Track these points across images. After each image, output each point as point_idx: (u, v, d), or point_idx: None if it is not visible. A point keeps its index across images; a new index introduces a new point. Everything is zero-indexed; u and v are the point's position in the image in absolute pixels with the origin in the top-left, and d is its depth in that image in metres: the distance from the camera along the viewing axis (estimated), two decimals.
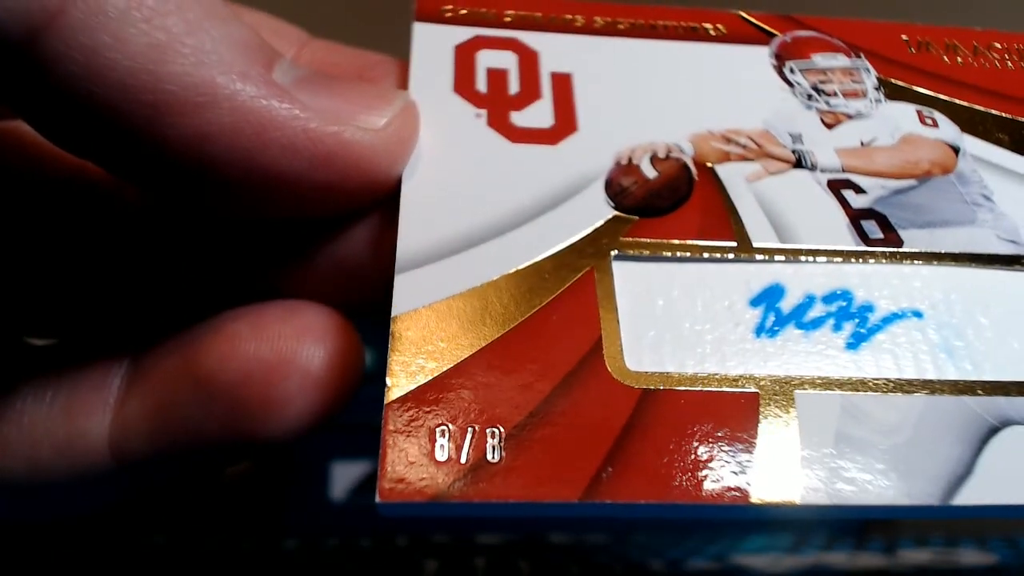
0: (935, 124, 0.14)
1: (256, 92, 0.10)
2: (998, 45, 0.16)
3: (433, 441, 0.09)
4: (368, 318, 0.12)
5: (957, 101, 0.14)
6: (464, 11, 0.15)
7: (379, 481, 0.09)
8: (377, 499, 0.09)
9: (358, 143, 0.11)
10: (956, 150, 0.14)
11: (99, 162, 0.11)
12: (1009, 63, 0.15)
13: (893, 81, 0.15)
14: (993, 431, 0.10)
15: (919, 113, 0.14)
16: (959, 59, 0.15)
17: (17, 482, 0.11)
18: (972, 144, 0.14)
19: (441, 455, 0.09)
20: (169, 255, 0.13)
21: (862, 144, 0.13)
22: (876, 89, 0.14)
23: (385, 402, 0.10)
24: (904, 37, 0.15)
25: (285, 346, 0.11)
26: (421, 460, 0.09)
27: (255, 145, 0.10)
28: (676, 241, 0.12)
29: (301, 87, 0.11)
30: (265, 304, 0.11)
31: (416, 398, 0.10)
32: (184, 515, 0.16)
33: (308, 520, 0.15)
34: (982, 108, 0.14)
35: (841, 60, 0.15)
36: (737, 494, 0.09)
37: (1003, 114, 0.14)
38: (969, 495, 0.10)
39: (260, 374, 0.10)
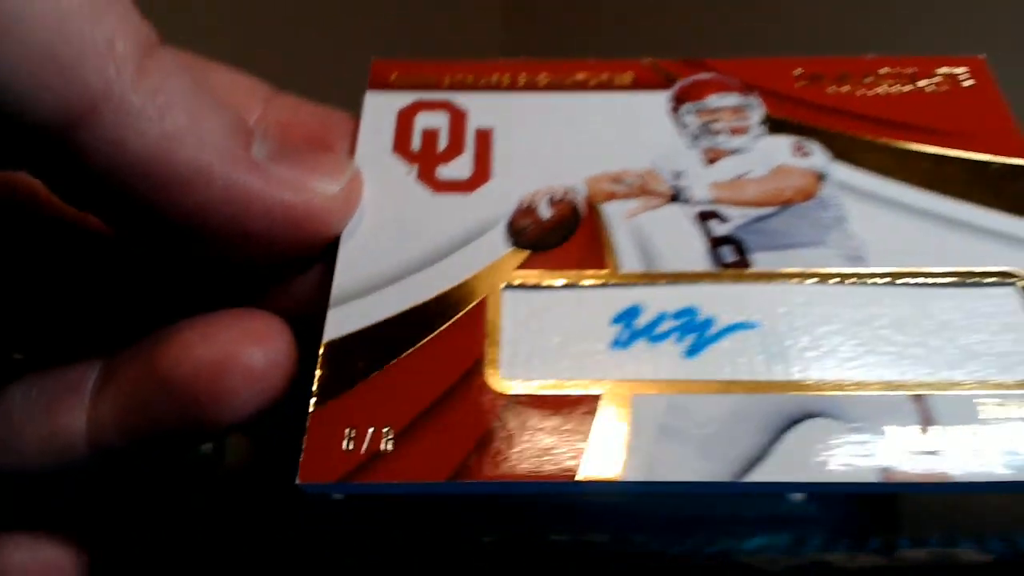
0: (808, 154, 0.16)
1: (243, 170, 0.13)
2: (886, 70, 0.17)
3: (341, 438, 0.12)
4: None
5: (834, 130, 0.16)
6: (409, 77, 0.18)
7: (300, 467, 0.12)
8: (297, 480, 0.12)
9: (320, 208, 0.14)
10: (822, 177, 0.16)
11: (107, 221, 0.14)
12: (895, 88, 0.17)
13: (778, 116, 0.17)
14: (794, 422, 0.12)
15: (795, 144, 0.16)
16: (846, 88, 0.17)
17: (7, 471, 0.14)
18: (840, 171, 0.16)
19: (347, 448, 0.12)
20: (145, 283, 0.16)
21: (737, 177, 0.16)
22: (760, 124, 0.17)
23: (309, 409, 0.13)
24: (797, 71, 0.17)
25: (229, 348, 0.13)
26: (332, 452, 0.12)
27: (242, 212, 0.13)
28: (558, 272, 0.14)
29: (274, 160, 0.14)
30: (214, 313, 0.14)
31: (333, 406, 0.13)
32: (186, 512, 0.19)
33: (309, 516, 0.17)
34: (857, 136, 0.16)
35: (732, 99, 0.17)
36: (568, 473, 0.12)
37: (876, 140, 0.16)
38: (758, 474, 0.12)
39: (209, 372, 0.13)
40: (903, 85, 0.17)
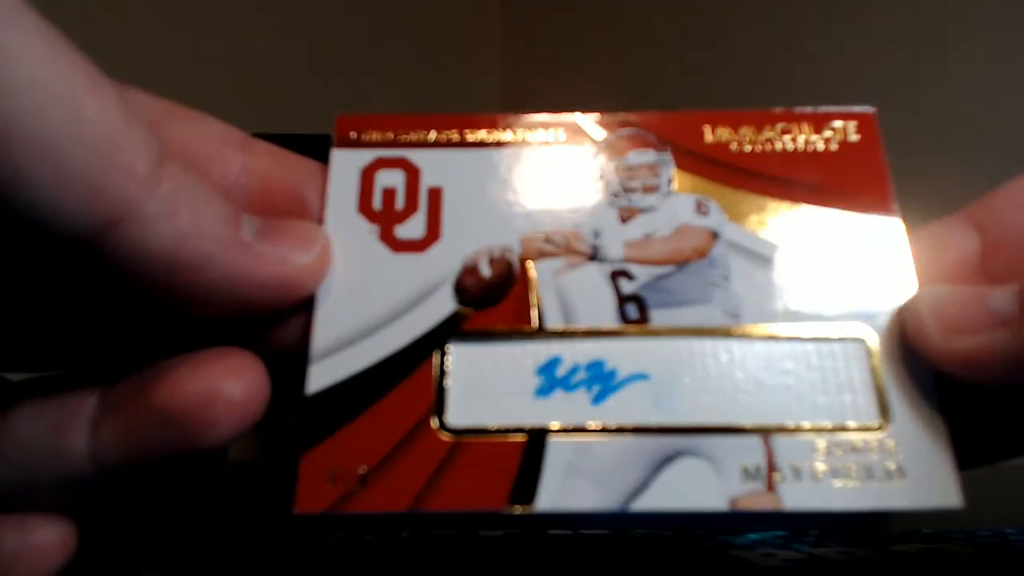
0: (707, 213, 0.19)
1: (237, 253, 0.16)
2: (785, 125, 0.20)
3: (326, 476, 0.16)
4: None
5: (731, 188, 0.19)
6: (369, 135, 0.20)
7: (296, 500, 0.16)
8: (295, 510, 0.16)
9: (298, 276, 0.17)
10: (716, 236, 0.19)
11: (119, 298, 0.17)
12: (791, 144, 0.20)
13: (686, 172, 0.19)
14: (669, 460, 0.16)
15: (697, 203, 0.19)
16: (746, 146, 0.20)
17: (15, 487, 0.16)
18: (732, 230, 0.19)
19: (331, 486, 0.16)
20: (143, 325, 0.18)
21: (646, 236, 0.19)
22: (669, 182, 0.19)
23: (300, 453, 0.17)
24: (706, 126, 0.20)
25: (213, 384, 0.15)
26: (319, 487, 0.16)
27: (237, 286, 0.16)
28: (495, 329, 0.18)
29: (260, 238, 0.16)
30: (200, 351, 0.16)
31: (319, 450, 0.17)
32: (193, 509, 0.22)
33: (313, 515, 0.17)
34: (749, 193, 0.19)
35: (649, 156, 0.20)
36: (498, 505, 0.16)
37: (764, 197, 0.19)
38: (639, 504, 0.16)
39: (197, 405, 0.15)
40: (797, 139, 0.20)
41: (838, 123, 0.20)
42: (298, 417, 0.17)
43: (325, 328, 0.18)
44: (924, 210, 0.20)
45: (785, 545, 0.21)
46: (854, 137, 0.20)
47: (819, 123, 0.20)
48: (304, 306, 0.18)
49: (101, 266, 0.15)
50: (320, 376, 0.17)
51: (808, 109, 0.20)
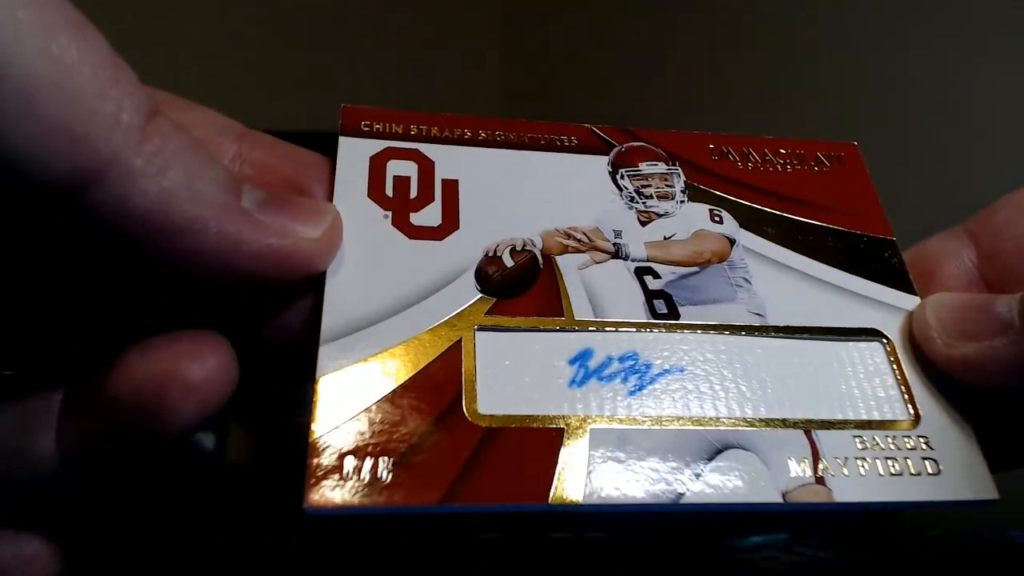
0: (721, 221, 0.19)
1: (233, 219, 0.14)
2: (783, 151, 0.21)
3: (343, 467, 0.14)
4: None
5: (741, 201, 0.20)
6: (378, 125, 0.19)
7: (306, 494, 0.14)
8: (304, 506, 0.14)
9: (303, 250, 0.15)
10: (732, 242, 0.19)
11: (108, 265, 0.15)
12: (789, 167, 0.21)
13: (696, 184, 0.20)
14: (717, 452, 0.16)
15: (711, 212, 0.19)
16: (750, 165, 0.20)
17: None
18: (746, 237, 0.19)
19: (349, 476, 0.14)
20: (131, 313, 0.16)
21: (665, 238, 0.19)
22: (682, 192, 0.20)
23: (309, 440, 0.14)
24: (711, 145, 0.21)
25: (167, 366, 0.14)
26: (334, 480, 0.14)
27: (233, 255, 0.14)
28: (522, 317, 0.17)
29: (262, 208, 0.15)
30: (160, 335, 0.15)
31: (332, 437, 0.14)
32: (192, 511, 0.19)
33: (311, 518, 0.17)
34: (759, 206, 0.20)
35: (660, 167, 0.20)
36: (539, 497, 0.14)
37: (774, 211, 0.20)
38: (692, 497, 0.15)
39: (151, 388, 0.14)
40: (795, 164, 0.21)
41: (827, 151, 0.21)
42: (304, 407, 0.15)
43: (336, 308, 0.16)
44: (924, 225, 0.21)
45: (788, 548, 0.21)
46: (843, 165, 0.21)
47: (811, 151, 0.21)
48: (311, 289, 0.16)
49: (81, 226, 0.13)
50: (332, 358, 0.15)
51: (798, 140, 0.21)
